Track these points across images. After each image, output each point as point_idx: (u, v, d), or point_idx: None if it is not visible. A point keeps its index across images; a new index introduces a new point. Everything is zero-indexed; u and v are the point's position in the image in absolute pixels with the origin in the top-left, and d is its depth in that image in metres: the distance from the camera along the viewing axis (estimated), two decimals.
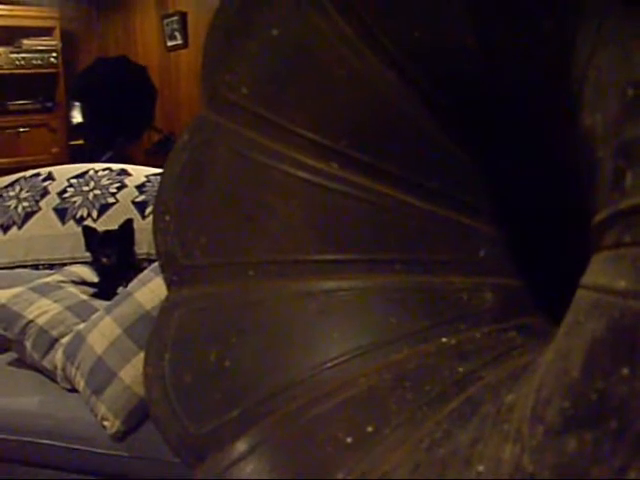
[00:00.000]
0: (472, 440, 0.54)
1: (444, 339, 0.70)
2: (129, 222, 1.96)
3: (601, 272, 0.44)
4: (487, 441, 0.52)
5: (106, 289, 1.87)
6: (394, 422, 0.63)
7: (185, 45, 4.76)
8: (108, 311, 1.63)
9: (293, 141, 0.73)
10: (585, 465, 0.36)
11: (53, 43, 5.02)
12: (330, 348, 0.70)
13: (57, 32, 5.06)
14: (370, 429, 0.63)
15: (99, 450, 1.51)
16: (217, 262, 0.75)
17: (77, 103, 4.28)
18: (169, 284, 0.78)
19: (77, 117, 4.28)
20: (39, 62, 4.93)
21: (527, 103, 0.63)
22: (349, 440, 0.63)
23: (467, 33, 0.61)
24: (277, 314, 0.72)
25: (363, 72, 0.70)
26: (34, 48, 4.93)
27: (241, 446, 0.67)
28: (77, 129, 4.44)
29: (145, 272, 1.69)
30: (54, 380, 1.66)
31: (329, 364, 0.69)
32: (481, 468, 0.49)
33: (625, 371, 0.36)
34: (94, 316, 1.66)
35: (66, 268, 1.99)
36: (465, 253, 0.75)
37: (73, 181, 2.16)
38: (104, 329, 1.58)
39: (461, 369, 0.66)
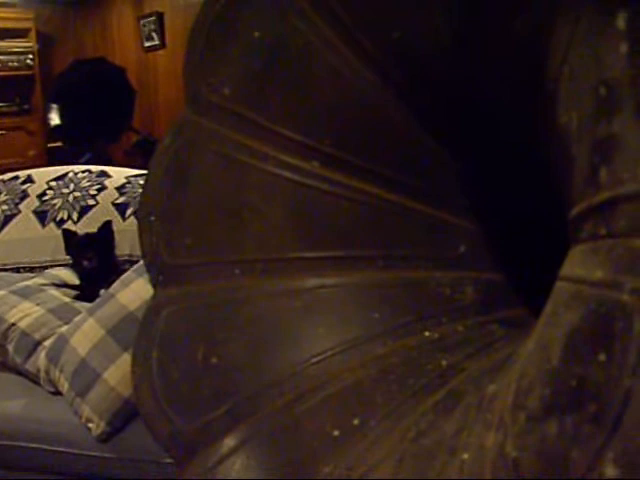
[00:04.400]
0: (456, 430, 0.55)
1: (427, 333, 0.72)
2: (108, 224, 1.96)
3: (578, 264, 0.45)
4: (471, 430, 0.53)
5: (88, 291, 1.87)
6: (380, 414, 0.64)
7: (162, 45, 4.76)
8: (91, 313, 1.63)
9: (275, 141, 0.74)
10: (566, 447, 0.38)
11: (29, 45, 4.99)
12: (315, 344, 0.71)
13: (33, 34, 5.03)
14: (356, 422, 0.64)
15: (84, 452, 1.51)
16: (202, 261, 0.76)
17: (55, 105, 4.25)
18: (155, 284, 0.78)
19: (55, 119, 4.25)
20: (15, 64, 4.91)
21: (505, 102, 0.65)
22: (336, 433, 0.64)
23: (444, 34, 0.62)
24: (262, 311, 0.74)
25: (343, 73, 0.71)
26: (9, 50, 4.90)
27: (230, 442, 0.68)
28: (55, 131, 4.41)
29: (127, 273, 1.69)
30: (37, 383, 1.66)
31: (315, 359, 0.70)
32: (465, 456, 0.51)
33: (602, 357, 0.37)
34: (77, 318, 1.66)
35: (47, 271, 1.99)
36: (446, 249, 0.76)
37: (53, 183, 2.16)
38: (87, 331, 1.58)
39: (444, 362, 0.68)
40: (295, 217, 0.75)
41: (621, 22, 0.39)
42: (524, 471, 0.42)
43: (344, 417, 0.65)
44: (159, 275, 0.78)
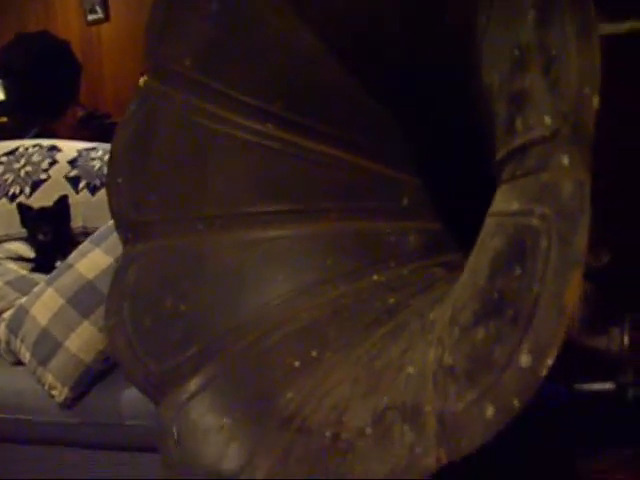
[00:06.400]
0: (402, 351, 0.63)
1: (375, 276, 0.80)
2: (64, 198, 1.96)
3: (501, 201, 0.53)
4: (415, 349, 0.61)
5: (43, 264, 1.88)
6: (335, 346, 0.72)
7: (106, 19, 4.68)
8: (49, 283, 1.64)
9: (233, 105, 0.81)
10: (490, 347, 0.46)
11: None
12: (275, 289, 0.78)
13: None
14: (314, 354, 0.72)
15: (48, 419, 1.54)
16: (168, 217, 0.82)
17: None
18: (124, 241, 0.84)
19: None
20: None
21: (441, 66, 0.72)
22: (297, 364, 0.72)
23: (386, 7, 0.69)
24: (225, 262, 0.80)
25: (294, 41, 0.77)
26: None
27: (199, 380, 0.75)
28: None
29: (84, 244, 1.71)
30: None
31: (275, 302, 0.78)
32: (411, 370, 0.59)
33: (517, 271, 0.46)
34: (36, 289, 1.67)
35: (1, 245, 1.99)
36: (391, 201, 0.84)
37: (3, 159, 2.15)
38: (47, 300, 1.60)
39: (391, 300, 0.76)
40: (252, 175, 0.81)
41: None
42: (458, 373, 0.50)
43: (303, 350, 0.73)
44: (127, 232, 0.83)
